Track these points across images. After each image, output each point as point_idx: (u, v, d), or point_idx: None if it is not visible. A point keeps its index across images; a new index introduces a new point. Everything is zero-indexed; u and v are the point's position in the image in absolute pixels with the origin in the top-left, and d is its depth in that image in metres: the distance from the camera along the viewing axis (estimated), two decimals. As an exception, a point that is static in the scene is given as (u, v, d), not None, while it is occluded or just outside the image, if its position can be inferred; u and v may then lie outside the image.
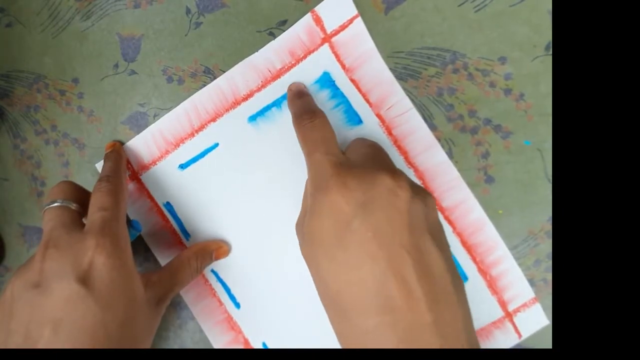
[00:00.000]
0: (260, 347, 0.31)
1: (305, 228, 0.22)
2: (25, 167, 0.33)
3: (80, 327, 0.22)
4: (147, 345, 0.26)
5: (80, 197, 0.27)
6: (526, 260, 0.28)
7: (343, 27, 0.28)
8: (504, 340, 0.29)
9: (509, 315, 0.29)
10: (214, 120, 0.29)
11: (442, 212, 0.28)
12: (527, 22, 0.26)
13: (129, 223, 0.30)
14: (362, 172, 0.21)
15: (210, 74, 0.30)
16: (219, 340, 0.31)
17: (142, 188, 0.31)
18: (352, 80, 0.28)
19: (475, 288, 0.28)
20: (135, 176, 0.31)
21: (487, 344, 0.29)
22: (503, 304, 0.29)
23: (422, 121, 0.28)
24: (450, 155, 0.28)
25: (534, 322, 0.28)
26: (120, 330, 0.23)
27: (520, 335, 0.29)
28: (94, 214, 0.25)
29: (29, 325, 0.22)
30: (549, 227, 0.28)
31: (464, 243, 0.28)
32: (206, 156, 0.30)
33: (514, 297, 0.28)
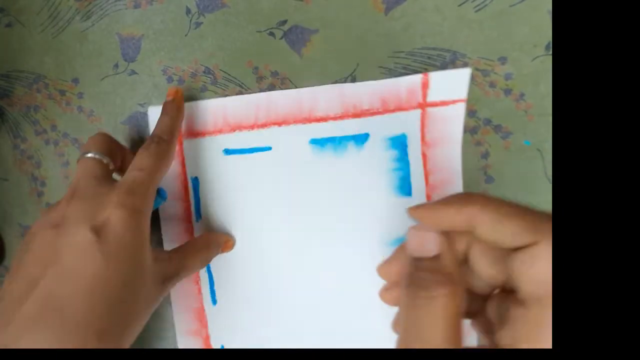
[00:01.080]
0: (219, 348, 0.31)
1: None
2: (25, 167, 0.33)
3: (81, 276, 0.22)
4: (141, 321, 0.25)
5: (114, 152, 0.27)
6: (526, 260, 0.28)
7: (444, 104, 0.27)
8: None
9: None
10: (278, 124, 0.29)
11: None
12: (528, 21, 0.26)
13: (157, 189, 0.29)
14: None
15: (211, 74, 0.30)
16: (183, 327, 0.31)
17: (180, 153, 0.30)
18: (423, 154, 0.28)
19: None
20: (179, 138, 0.30)
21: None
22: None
23: None
24: (450, 155, 0.28)
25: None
26: (119, 291, 0.23)
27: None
28: (131, 172, 0.25)
29: (37, 261, 0.23)
30: (549, 227, 0.28)
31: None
32: (254, 154, 0.29)
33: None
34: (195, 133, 0.30)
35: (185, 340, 0.31)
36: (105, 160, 0.26)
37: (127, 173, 0.25)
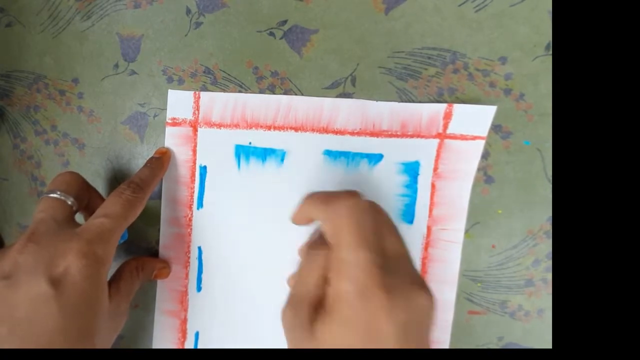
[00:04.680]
0: (193, 334, 0.31)
1: (320, 329, 0.20)
2: (25, 167, 0.33)
3: (38, 332, 0.21)
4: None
5: (81, 193, 0.27)
6: (525, 260, 0.28)
7: (464, 138, 0.27)
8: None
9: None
10: (295, 129, 0.29)
11: None
12: (528, 22, 0.26)
13: None
14: (404, 288, 0.19)
15: (211, 74, 0.30)
16: (163, 306, 0.31)
17: (193, 140, 0.30)
18: (433, 185, 0.28)
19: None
20: (195, 125, 0.30)
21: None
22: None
23: (459, 259, 0.28)
24: (450, 155, 0.28)
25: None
26: (78, 341, 0.22)
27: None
28: (97, 218, 0.24)
29: None
30: (548, 227, 0.28)
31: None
32: (267, 154, 0.29)
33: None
34: (211, 123, 0.30)
35: (162, 318, 0.31)
36: (69, 202, 0.25)
37: (94, 218, 0.24)
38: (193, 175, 0.30)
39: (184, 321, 0.31)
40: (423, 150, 0.28)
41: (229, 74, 0.29)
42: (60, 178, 0.27)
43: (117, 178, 0.31)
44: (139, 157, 0.31)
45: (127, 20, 0.30)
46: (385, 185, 0.29)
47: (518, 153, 0.28)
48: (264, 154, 0.29)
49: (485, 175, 0.28)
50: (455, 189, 0.28)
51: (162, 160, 0.29)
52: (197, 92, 0.29)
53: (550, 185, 0.28)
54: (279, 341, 0.31)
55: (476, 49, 0.27)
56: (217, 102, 0.29)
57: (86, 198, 0.28)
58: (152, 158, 0.29)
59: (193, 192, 0.30)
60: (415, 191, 0.28)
